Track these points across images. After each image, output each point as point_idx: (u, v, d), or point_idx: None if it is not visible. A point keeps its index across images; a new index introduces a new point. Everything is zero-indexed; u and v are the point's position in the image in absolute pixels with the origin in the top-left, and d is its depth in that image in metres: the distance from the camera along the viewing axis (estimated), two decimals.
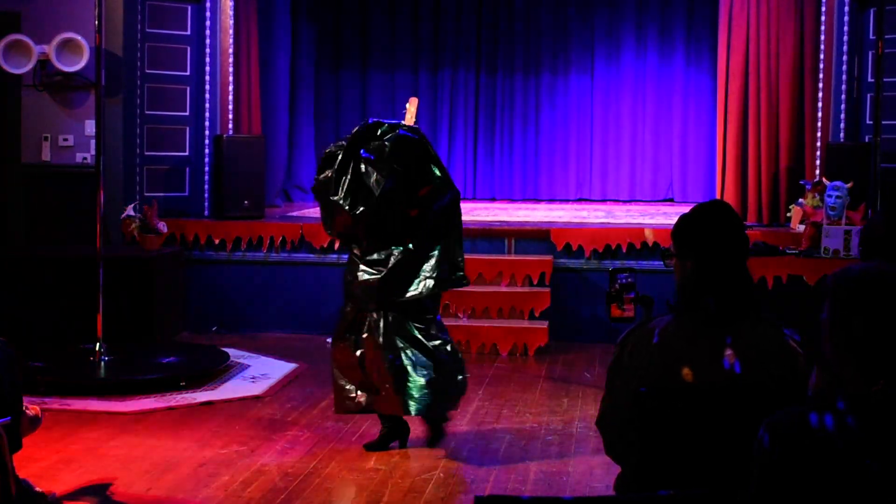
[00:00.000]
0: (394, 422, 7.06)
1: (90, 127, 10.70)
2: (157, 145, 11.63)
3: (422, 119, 12.22)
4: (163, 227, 10.71)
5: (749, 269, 3.66)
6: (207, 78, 11.87)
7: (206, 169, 11.88)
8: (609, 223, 11.61)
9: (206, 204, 11.89)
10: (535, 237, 10.99)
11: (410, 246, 6.86)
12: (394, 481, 6.40)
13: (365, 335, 6.91)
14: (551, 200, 14.86)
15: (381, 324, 6.87)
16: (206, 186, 11.89)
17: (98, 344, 8.97)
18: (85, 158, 11.02)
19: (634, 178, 14.98)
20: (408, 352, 6.86)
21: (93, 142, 10.28)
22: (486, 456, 6.94)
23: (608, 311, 4.19)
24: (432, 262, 6.93)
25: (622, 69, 15.01)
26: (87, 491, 6.14)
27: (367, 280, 6.87)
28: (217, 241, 11.18)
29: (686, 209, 3.86)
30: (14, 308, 9.94)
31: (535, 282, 10.55)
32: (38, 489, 5.79)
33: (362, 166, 6.78)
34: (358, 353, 6.93)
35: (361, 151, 6.83)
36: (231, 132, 12.05)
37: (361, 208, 6.75)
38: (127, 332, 9.76)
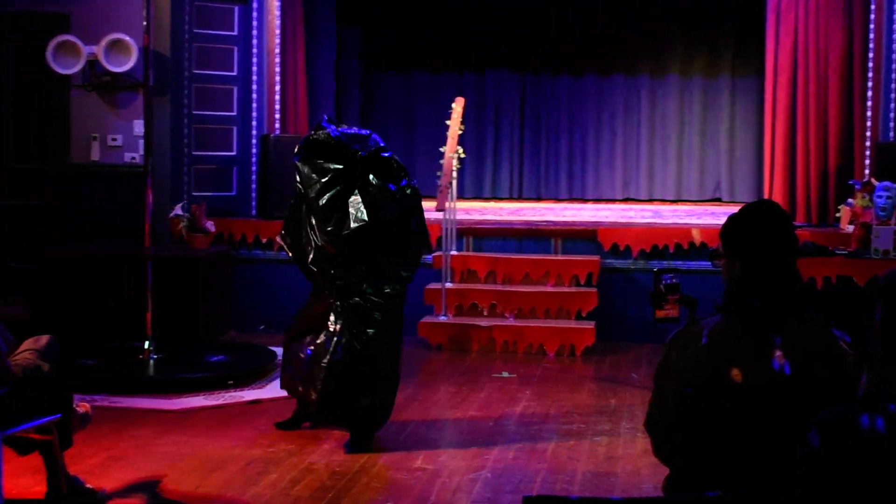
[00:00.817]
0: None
1: (138, 127, 10.79)
2: (205, 145, 11.71)
3: (467, 119, 12.21)
4: (210, 226, 10.78)
5: (798, 270, 3.63)
6: (254, 78, 11.94)
7: (254, 168, 11.95)
8: (656, 223, 11.57)
9: (254, 203, 11.96)
10: (582, 237, 10.96)
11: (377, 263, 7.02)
12: (441, 480, 6.41)
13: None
14: (597, 200, 14.84)
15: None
16: (254, 186, 11.96)
17: (147, 342, 9.05)
18: (133, 158, 11.11)
19: (681, 177, 14.92)
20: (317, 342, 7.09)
21: (141, 141, 10.37)
22: (533, 456, 6.93)
23: (652, 312, 4.18)
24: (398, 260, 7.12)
25: (668, 67, 14.95)
26: (136, 488, 6.19)
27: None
28: (264, 241, 11.23)
29: (734, 209, 3.83)
30: (63, 306, 10.04)
31: (583, 282, 10.52)
32: (88, 486, 5.85)
33: (371, 190, 6.91)
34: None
35: (371, 177, 6.96)
36: (278, 131, 12.10)
37: (348, 230, 6.90)
38: (174, 331, 9.83)
